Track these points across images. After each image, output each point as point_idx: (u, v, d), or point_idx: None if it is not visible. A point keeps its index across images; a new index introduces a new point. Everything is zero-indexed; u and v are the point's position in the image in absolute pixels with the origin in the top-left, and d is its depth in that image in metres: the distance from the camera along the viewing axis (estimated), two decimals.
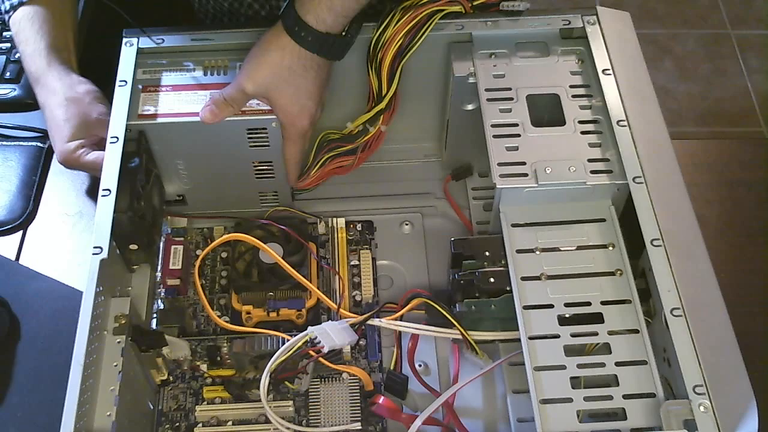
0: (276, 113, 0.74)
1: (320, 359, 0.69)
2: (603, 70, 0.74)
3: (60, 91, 0.84)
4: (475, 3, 0.78)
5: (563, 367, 0.61)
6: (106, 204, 0.66)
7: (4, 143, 0.94)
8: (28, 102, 0.99)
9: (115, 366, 0.62)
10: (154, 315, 0.74)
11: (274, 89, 0.72)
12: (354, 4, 0.71)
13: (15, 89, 1.00)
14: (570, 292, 0.65)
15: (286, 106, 0.73)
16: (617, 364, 0.61)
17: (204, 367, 0.73)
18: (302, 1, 0.71)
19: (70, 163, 0.82)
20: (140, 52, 0.77)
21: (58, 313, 0.80)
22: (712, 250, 0.64)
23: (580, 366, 0.61)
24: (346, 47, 0.75)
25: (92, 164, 0.80)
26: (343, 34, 0.73)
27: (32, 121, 0.98)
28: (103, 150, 0.70)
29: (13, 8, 0.88)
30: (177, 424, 0.71)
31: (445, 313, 0.69)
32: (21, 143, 0.94)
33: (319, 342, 0.68)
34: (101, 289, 0.62)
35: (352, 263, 0.81)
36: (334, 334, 0.68)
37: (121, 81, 0.74)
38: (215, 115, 0.71)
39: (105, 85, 0.81)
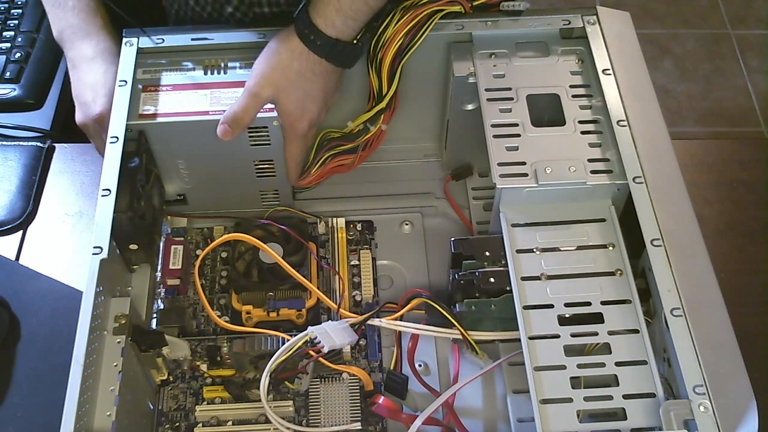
0: (278, 113, 0.74)
1: (320, 359, 0.69)
2: (603, 70, 0.74)
3: (117, 52, 0.81)
4: (475, 3, 0.78)
5: (563, 367, 0.61)
6: (106, 204, 0.66)
7: (4, 143, 0.94)
8: (28, 102, 1.00)
9: (115, 366, 0.62)
10: (154, 315, 0.74)
11: (283, 92, 0.72)
12: (363, 6, 0.71)
13: (15, 89, 1.00)
14: (570, 292, 0.65)
15: (289, 110, 0.73)
16: (617, 364, 0.61)
17: (204, 367, 0.73)
18: (314, 5, 0.71)
19: (105, 121, 0.77)
20: (140, 51, 0.77)
21: (58, 313, 0.80)
22: (712, 250, 0.64)
23: (580, 366, 0.61)
24: (356, 56, 0.75)
25: None
26: (354, 42, 0.73)
27: (32, 121, 0.98)
28: None
29: None
30: (177, 424, 0.71)
31: (445, 313, 0.69)
32: (21, 143, 0.94)
33: (319, 342, 0.68)
34: (101, 289, 0.62)
35: (352, 263, 0.81)
36: (334, 334, 0.68)
37: (121, 81, 0.74)
38: (229, 134, 0.71)
39: None
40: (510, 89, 0.74)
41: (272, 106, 0.73)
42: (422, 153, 0.90)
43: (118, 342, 0.63)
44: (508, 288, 0.68)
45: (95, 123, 0.80)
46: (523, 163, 0.69)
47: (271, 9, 0.85)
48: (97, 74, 0.82)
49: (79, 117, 0.82)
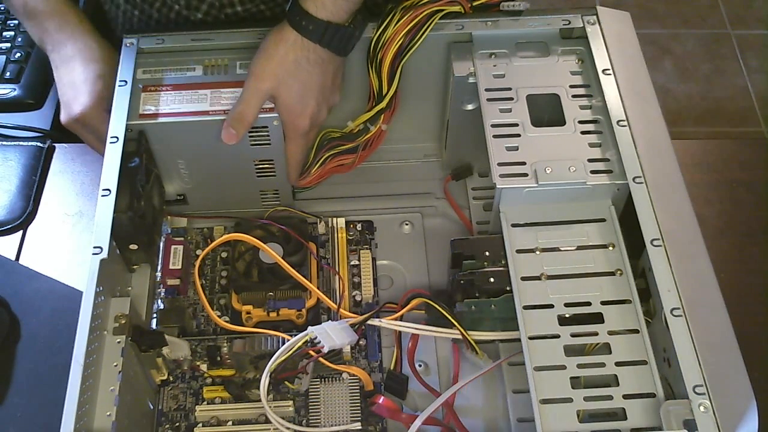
0: (278, 110, 0.73)
1: (320, 359, 0.69)
2: (603, 70, 0.74)
3: (96, 49, 0.82)
4: (475, 3, 0.78)
5: (563, 367, 0.61)
6: (106, 204, 0.66)
7: (4, 143, 0.94)
8: (28, 102, 0.99)
9: (115, 366, 0.62)
10: (154, 315, 0.74)
11: (283, 83, 0.72)
12: None
13: (15, 89, 1.00)
14: (570, 292, 0.65)
15: (289, 105, 0.73)
16: (617, 364, 0.61)
17: (204, 367, 0.73)
18: None
19: (88, 120, 0.79)
20: (140, 52, 0.77)
21: (58, 313, 0.80)
22: (712, 250, 0.64)
23: (580, 366, 0.61)
24: (350, 39, 0.74)
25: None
26: (347, 25, 0.73)
27: (32, 121, 0.98)
28: None
29: None
30: (177, 424, 0.71)
31: (445, 313, 0.69)
32: (21, 143, 0.94)
33: (319, 342, 0.68)
34: (101, 289, 0.62)
35: (352, 263, 0.81)
36: (334, 334, 0.68)
37: (121, 81, 0.74)
38: (234, 137, 0.71)
39: None
40: (510, 89, 0.74)
41: (272, 106, 0.73)
42: (422, 153, 0.90)
43: (118, 342, 0.63)
44: (508, 288, 0.68)
45: (77, 122, 0.81)
46: (523, 163, 0.69)
47: (244, 7, 0.85)
48: (76, 73, 0.82)
49: (63, 117, 0.82)
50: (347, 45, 0.74)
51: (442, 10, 0.76)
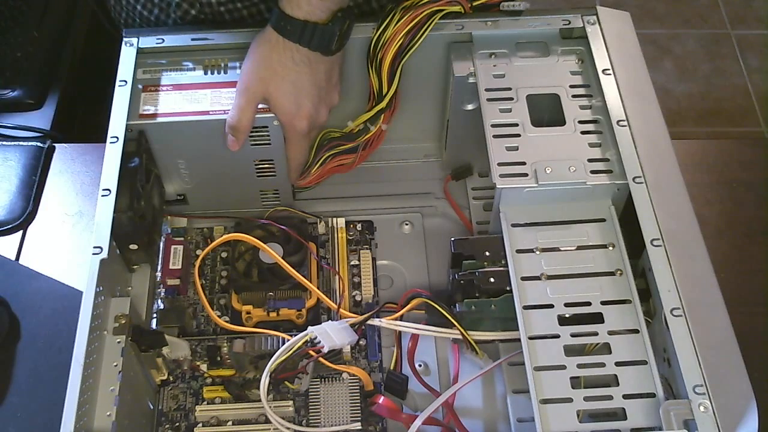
0: (274, 112, 0.73)
1: (320, 359, 0.69)
2: (603, 70, 0.74)
3: None
4: (475, 3, 0.78)
5: (563, 367, 0.61)
6: (106, 204, 0.66)
7: (4, 143, 0.94)
8: (28, 102, 1.00)
9: (115, 366, 0.62)
10: (154, 315, 0.74)
11: (272, 84, 0.72)
12: None
13: (15, 89, 1.00)
14: (570, 292, 0.65)
15: (283, 106, 0.73)
16: (617, 364, 0.61)
17: (204, 367, 0.73)
18: None
19: None
20: (140, 51, 0.77)
21: (58, 313, 0.80)
22: (712, 250, 0.64)
23: (580, 366, 0.61)
24: (331, 38, 0.72)
25: None
26: (327, 24, 0.71)
27: (32, 121, 0.98)
28: None
29: None
30: (177, 424, 0.71)
31: (445, 313, 0.69)
32: (21, 143, 0.94)
33: (319, 342, 0.68)
34: (101, 289, 0.62)
35: (352, 263, 0.81)
36: (334, 334, 0.68)
37: (121, 81, 0.74)
38: (235, 143, 0.72)
39: (105, 85, 0.81)
40: (510, 89, 0.74)
41: (270, 108, 0.73)
42: (422, 153, 0.90)
43: (118, 342, 0.63)
44: (508, 288, 0.68)
45: None
46: (523, 163, 0.69)
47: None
48: None
49: None
50: (329, 44, 0.72)
51: (442, 10, 0.76)
